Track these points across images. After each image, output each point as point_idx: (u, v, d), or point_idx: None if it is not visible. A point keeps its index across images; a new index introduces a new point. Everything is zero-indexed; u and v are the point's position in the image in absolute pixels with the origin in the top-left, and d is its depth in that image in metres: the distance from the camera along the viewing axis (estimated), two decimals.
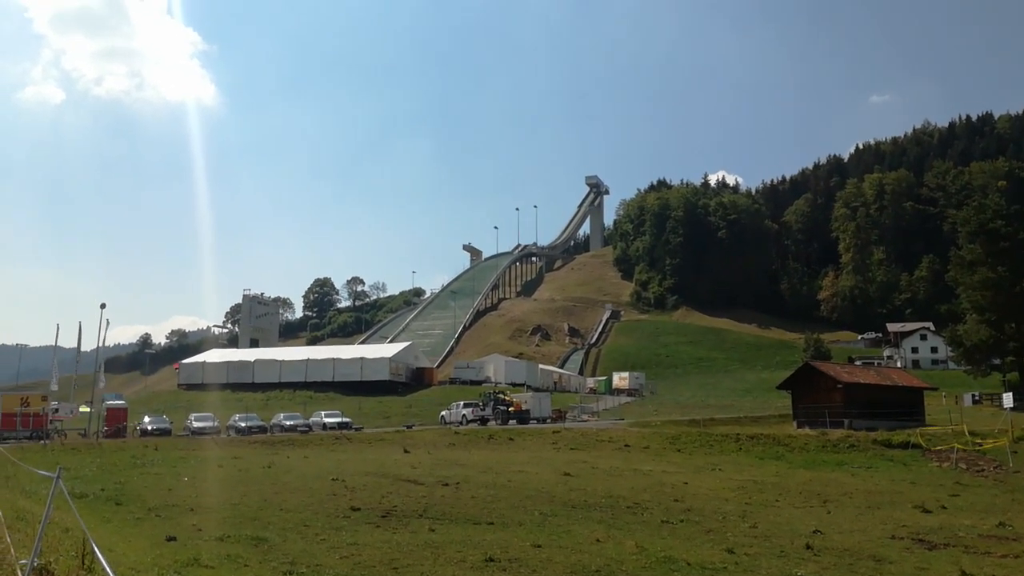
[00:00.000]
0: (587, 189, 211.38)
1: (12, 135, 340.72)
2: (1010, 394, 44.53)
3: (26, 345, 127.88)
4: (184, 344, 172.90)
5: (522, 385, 76.19)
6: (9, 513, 12.36)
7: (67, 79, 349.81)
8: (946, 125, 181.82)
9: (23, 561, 7.13)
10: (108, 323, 41.16)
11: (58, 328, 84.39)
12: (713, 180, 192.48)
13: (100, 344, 43.69)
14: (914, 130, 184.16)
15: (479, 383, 78.40)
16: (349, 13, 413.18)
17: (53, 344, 50.89)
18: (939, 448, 36.44)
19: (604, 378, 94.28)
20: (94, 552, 5.84)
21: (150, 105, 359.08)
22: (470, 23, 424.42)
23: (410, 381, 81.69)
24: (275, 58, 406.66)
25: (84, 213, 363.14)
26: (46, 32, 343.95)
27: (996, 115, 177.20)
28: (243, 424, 46.81)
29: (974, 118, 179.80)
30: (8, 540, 9.35)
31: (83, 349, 48.76)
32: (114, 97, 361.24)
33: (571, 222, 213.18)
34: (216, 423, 47.16)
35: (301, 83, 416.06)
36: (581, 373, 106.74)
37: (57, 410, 46.54)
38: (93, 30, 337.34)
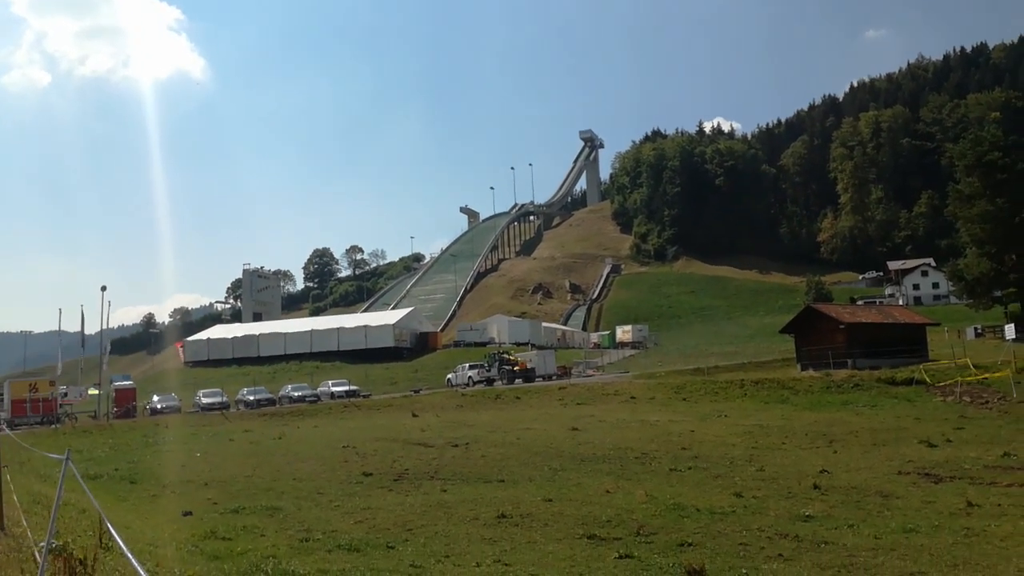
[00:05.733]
0: (581, 144, 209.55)
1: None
2: (1012, 325, 44.80)
3: (31, 332, 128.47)
4: (188, 322, 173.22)
5: (526, 344, 76.54)
6: (25, 497, 12.50)
7: (51, 60, 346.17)
8: (941, 58, 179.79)
9: (41, 543, 7.22)
10: (110, 305, 41.24)
11: (60, 313, 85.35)
12: (708, 127, 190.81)
13: (103, 326, 43.84)
14: (909, 65, 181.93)
15: (483, 344, 78.71)
16: None
17: (57, 329, 51.14)
18: (943, 383, 36.64)
19: (607, 332, 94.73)
20: (109, 529, 5.93)
21: (139, 82, 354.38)
22: None
23: (415, 346, 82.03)
24: (264, 29, 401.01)
25: (79, 196, 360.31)
26: (26, 15, 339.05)
27: (991, 45, 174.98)
28: (252, 397, 47.08)
29: (968, 49, 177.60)
30: (25, 524, 9.48)
31: (87, 332, 48.96)
32: (100, 76, 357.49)
33: (567, 178, 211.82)
34: (224, 398, 47.45)
35: (291, 53, 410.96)
36: (584, 329, 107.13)
37: (66, 394, 46.83)
38: (75, 10, 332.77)
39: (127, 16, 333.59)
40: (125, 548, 4.70)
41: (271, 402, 46.80)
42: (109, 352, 44.29)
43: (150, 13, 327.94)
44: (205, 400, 46.68)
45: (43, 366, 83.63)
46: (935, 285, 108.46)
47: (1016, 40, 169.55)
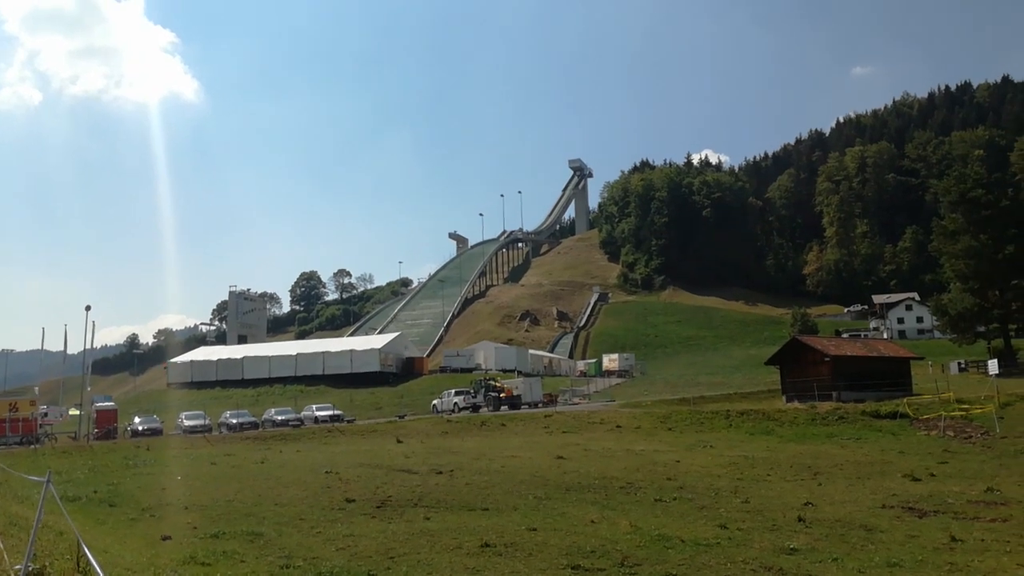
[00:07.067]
0: (571, 173, 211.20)
1: None
2: (995, 360, 44.89)
3: (12, 350, 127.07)
4: (172, 343, 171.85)
5: (513, 371, 76.32)
6: (2, 519, 12.33)
7: (42, 79, 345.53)
8: (926, 96, 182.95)
9: (17, 567, 7.11)
10: (94, 325, 40.92)
11: (43, 332, 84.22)
12: (696, 159, 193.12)
13: (87, 346, 43.48)
14: (894, 102, 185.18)
15: (470, 371, 78.45)
16: (327, 6, 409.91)
17: (40, 348, 50.66)
18: (927, 417, 36.77)
19: (594, 360, 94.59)
20: (87, 554, 5.85)
21: (130, 103, 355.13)
22: (447, 11, 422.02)
23: (400, 371, 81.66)
24: (256, 53, 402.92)
25: (67, 214, 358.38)
26: (18, 32, 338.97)
27: (975, 84, 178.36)
28: (234, 421, 46.67)
29: (953, 88, 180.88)
30: (1, 546, 9.33)
31: (70, 352, 48.56)
32: (91, 95, 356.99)
33: (556, 206, 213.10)
34: (207, 421, 46.98)
35: (282, 77, 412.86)
36: (571, 356, 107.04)
37: (47, 414, 46.25)
38: (68, 29, 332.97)
39: (120, 37, 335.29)
40: (102, 573, 4.65)
41: (254, 426, 46.40)
42: (91, 372, 43.84)
43: (144, 35, 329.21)
44: (187, 423, 46.20)
45: (24, 385, 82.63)
46: (919, 319, 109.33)
47: (999, 80, 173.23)
